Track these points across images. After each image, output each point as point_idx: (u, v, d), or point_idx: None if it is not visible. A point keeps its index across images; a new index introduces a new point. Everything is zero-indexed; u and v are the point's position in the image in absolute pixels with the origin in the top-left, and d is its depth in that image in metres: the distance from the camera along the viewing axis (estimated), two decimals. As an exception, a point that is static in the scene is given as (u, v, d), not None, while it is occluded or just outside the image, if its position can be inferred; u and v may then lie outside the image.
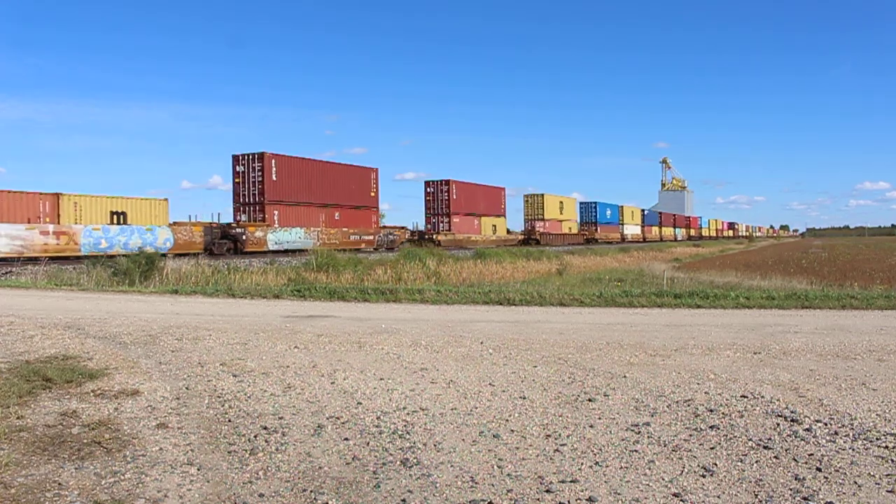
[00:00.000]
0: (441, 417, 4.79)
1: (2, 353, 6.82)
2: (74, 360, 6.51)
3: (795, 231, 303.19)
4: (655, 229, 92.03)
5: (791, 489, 3.53)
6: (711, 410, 4.96)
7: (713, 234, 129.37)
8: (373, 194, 39.07)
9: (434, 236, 43.29)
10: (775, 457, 4.01)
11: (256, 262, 25.64)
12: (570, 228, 65.11)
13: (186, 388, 5.54)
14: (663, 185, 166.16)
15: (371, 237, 38.49)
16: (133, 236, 25.96)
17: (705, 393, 5.46)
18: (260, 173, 31.16)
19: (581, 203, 70.70)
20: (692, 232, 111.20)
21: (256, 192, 31.23)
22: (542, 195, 59.47)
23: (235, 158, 31.81)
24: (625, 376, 6.07)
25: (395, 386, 5.69)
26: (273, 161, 31.60)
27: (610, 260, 43.71)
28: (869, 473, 3.73)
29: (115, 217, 25.97)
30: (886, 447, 4.15)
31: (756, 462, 3.93)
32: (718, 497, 3.44)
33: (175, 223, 28.43)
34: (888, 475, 3.71)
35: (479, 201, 50.18)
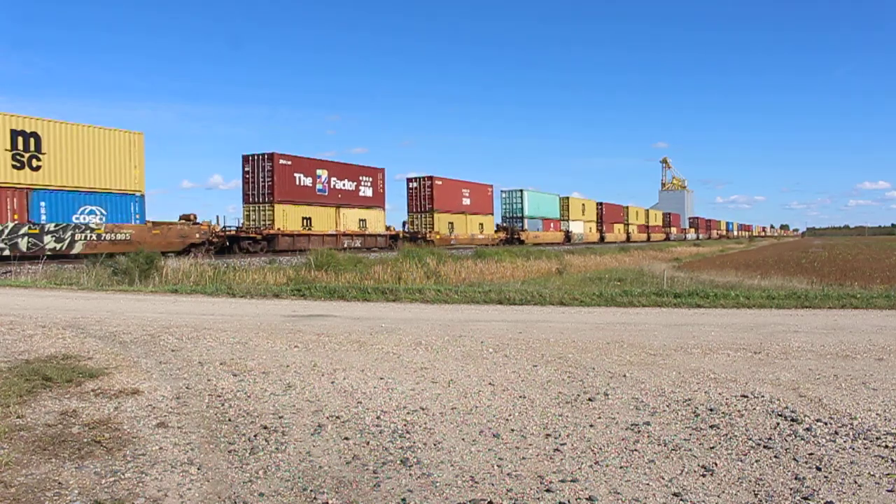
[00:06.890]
0: (441, 417, 4.79)
1: (2, 353, 6.82)
2: (74, 359, 6.51)
3: (795, 231, 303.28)
4: (740, 231, 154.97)
5: (791, 489, 3.53)
6: (711, 410, 4.96)
7: (757, 233, 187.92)
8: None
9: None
10: (775, 456, 4.01)
11: (256, 261, 25.63)
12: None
13: (186, 388, 5.54)
14: (663, 184, 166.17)
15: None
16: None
17: (705, 392, 5.46)
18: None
19: (728, 222, 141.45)
20: (748, 233, 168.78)
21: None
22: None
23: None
24: (625, 376, 6.07)
25: (395, 385, 5.69)
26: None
27: (610, 259, 43.67)
28: (869, 473, 3.73)
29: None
30: (886, 447, 4.15)
31: (756, 461, 3.93)
32: (718, 497, 3.44)
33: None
34: (888, 475, 3.71)
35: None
